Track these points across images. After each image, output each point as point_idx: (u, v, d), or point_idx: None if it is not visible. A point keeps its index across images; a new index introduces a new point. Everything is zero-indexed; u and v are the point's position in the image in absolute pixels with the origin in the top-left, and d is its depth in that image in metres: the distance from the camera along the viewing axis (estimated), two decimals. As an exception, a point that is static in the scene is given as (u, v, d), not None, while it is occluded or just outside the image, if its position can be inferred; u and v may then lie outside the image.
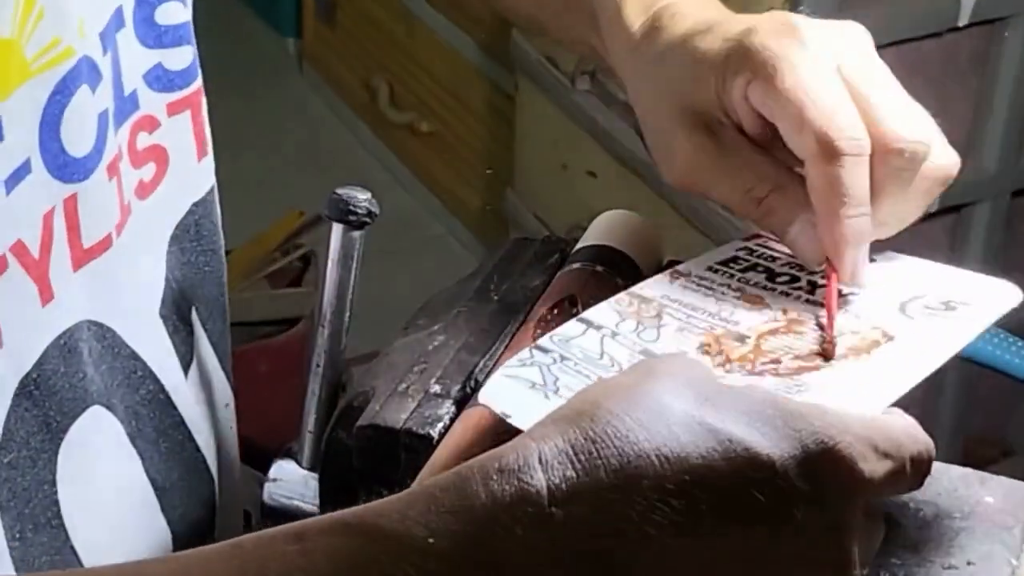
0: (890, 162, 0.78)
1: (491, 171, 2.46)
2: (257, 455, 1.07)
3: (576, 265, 0.82)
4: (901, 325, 0.74)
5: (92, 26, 0.79)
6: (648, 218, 0.89)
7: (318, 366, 0.81)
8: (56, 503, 0.81)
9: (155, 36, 0.85)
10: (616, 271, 0.82)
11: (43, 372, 0.79)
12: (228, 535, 0.95)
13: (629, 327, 0.74)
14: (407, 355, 0.80)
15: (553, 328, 0.78)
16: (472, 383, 0.77)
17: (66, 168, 0.78)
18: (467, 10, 2.59)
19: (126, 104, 0.84)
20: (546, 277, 0.84)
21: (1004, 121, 2.02)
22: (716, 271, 0.79)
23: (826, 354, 0.73)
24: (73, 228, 0.80)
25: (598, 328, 0.74)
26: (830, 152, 0.76)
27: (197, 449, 0.91)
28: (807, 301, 0.76)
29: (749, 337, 0.73)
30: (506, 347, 0.79)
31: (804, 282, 0.78)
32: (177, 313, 0.89)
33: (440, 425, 0.75)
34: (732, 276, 0.79)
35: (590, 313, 0.75)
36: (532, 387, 0.70)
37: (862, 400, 0.67)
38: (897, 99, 0.80)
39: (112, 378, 0.85)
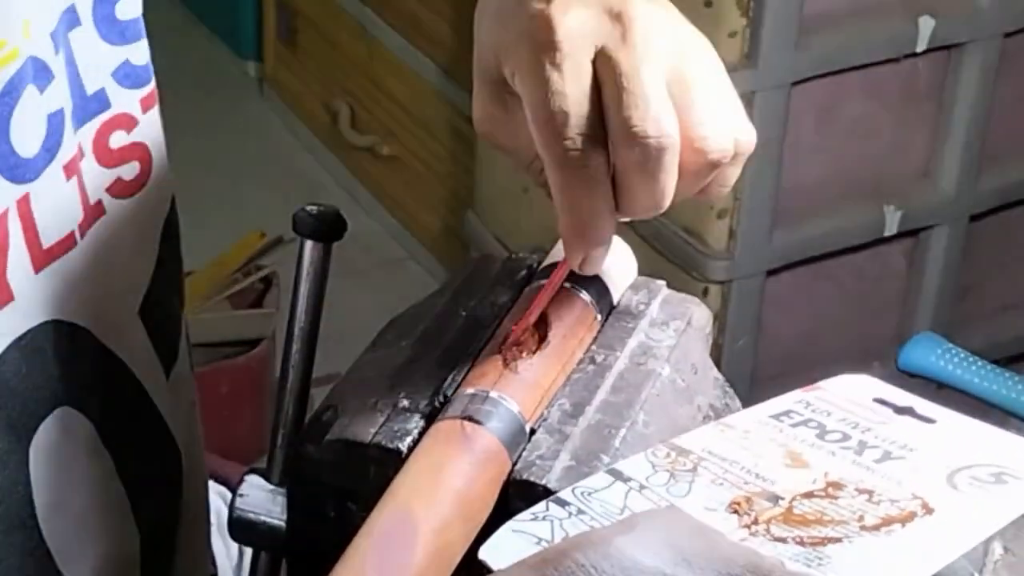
0: (624, 154, 0.74)
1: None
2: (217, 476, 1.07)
3: (544, 282, 0.82)
4: (944, 498, 0.71)
5: (39, 26, 0.78)
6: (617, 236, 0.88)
7: (288, 381, 0.81)
8: (31, 503, 0.82)
9: (118, 32, 0.85)
10: (585, 288, 0.82)
11: (3, 374, 0.79)
12: (191, 544, 0.96)
13: (660, 480, 0.72)
14: (375, 370, 0.80)
15: (525, 347, 0.78)
16: (441, 398, 0.77)
17: (17, 169, 0.78)
18: (428, 33, 2.59)
19: (90, 103, 0.83)
20: (514, 293, 0.84)
21: (962, 145, 2.04)
22: (766, 424, 0.76)
23: (505, 356, 0.76)
24: (30, 228, 0.80)
25: (626, 481, 0.72)
26: (552, 166, 0.76)
27: (176, 450, 0.92)
28: (853, 463, 0.73)
29: (783, 499, 0.71)
30: (473, 362, 0.79)
31: (855, 441, 0.75)
32: (161, 312, 0.89)
33: (409, 439, 0.75)
34: (781, 431, 0.76)
35: (621, 464, 0.73)
36: (538, 543, 0.67)
37: None
38: (645, 88, 0.73)
39: (83, 378, 0.85)
